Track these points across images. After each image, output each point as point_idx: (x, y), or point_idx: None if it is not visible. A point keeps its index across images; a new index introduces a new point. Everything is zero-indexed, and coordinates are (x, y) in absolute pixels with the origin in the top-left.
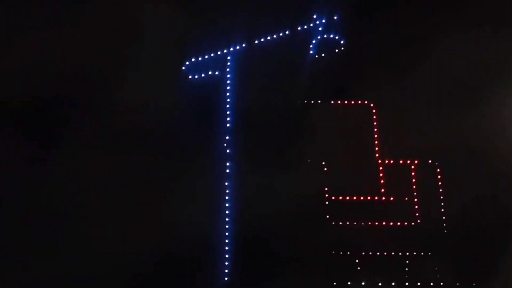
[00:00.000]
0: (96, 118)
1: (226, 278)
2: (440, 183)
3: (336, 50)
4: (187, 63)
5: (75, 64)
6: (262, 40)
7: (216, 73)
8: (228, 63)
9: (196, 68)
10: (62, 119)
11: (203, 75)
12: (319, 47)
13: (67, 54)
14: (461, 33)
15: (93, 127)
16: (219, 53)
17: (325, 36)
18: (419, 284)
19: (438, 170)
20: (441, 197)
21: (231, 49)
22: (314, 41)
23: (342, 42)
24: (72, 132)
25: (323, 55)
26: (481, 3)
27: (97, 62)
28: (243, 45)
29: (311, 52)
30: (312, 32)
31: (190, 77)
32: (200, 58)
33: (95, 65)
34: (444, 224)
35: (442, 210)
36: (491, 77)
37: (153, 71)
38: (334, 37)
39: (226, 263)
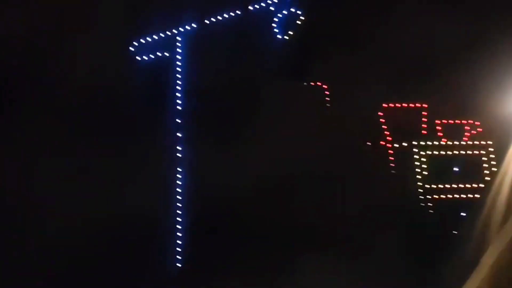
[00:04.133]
0: (42, 100)
1: (179, 265)
2: (392, 164)
3: (298, 22)
4: (135, 43)
5: (20, 44)
6: (213, 20)
7: (166, 54)
8: (178, 44)
9: (145, 49)
10: (7, 100)
11: (152, 56)
12: (283, 26)
13: (12, 34)
14: (415, 12)
15: (40, 109)
16: (168, 33)
17: (285, 12)
18: None
19: (392, 152)
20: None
21: (181, 29)
22: (276, 20)
23: (301, 16)
24: (17, 114)
25: (290, 32)
26: None
27: (41, 42)
28: (193, 25)
29: (278, 35)
30: (270, 12)
31: (138, 58)
32: (148, 39)
33: (40, 45)
34: None
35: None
36: (445, 56)
37: (100, 51)
38: (293, 12)
39: (179, 250)
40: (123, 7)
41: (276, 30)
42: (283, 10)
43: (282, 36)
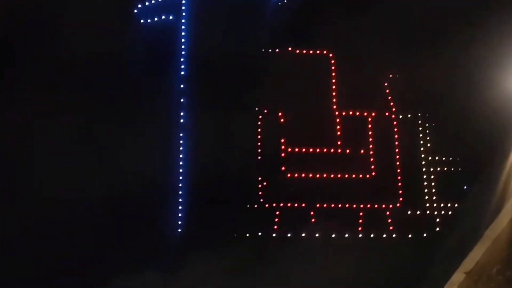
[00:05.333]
0: (44, 62)
1: (179, 230)
2: (396, 136)
3: None
4: (139, 6)
5: (24, 6)
6: None
7: (170, 17)
8: (183, 7)
9: (149, 11)
10: (9, 61)
11: (156, 19)
12: None
13: None
14: None
15: (42, 71)
16: None
17: None
18: (372, 236)
19: (395, 122)
20: (397, 150)
21: None
22: None
23: None
24: (19, 76)
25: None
26: None
27: (45, 5)
28: None
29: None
30: None
31: (142, 21)
32: (153, 1)
33: (44, 8)
34: (399, 177)
35: (398, 163)
36: (452, 24)
37: (103, 14)
38: None
39: (180, 215)
40: None
41: None
42: None
43: (277, 1)
